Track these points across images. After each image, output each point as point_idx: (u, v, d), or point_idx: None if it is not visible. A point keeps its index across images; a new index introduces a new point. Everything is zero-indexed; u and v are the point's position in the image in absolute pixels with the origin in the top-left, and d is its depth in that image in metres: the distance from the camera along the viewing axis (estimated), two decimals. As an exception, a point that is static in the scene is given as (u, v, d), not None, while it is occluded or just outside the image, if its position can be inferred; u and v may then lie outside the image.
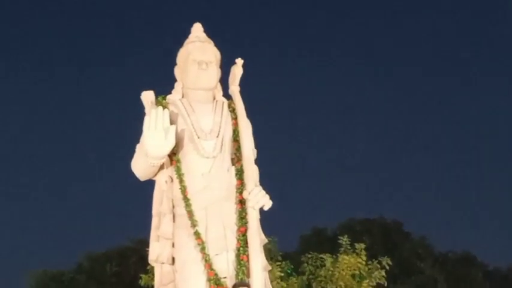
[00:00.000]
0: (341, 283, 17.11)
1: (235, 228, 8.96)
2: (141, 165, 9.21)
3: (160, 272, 9.18)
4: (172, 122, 8.92)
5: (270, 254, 16.04)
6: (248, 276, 8.68)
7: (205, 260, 8.66)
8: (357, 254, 17.63)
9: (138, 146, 9.30)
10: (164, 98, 9.52)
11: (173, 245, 9.05)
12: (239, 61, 9.90)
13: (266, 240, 9.35)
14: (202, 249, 8.70)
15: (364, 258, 17.62)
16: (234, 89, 9.78)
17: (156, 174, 9.30)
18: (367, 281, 17.37)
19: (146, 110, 9.23)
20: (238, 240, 8.90)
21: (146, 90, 9.44)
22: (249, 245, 8.79)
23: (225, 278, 8.63)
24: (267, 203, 8.94)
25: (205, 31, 10.02)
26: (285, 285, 16.81)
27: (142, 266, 16.68)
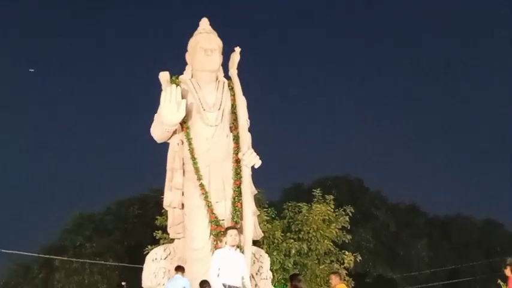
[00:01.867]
0: (314, 226, 17.23)
1: (232, 181, 9.14)
2: (158, 131, 9.32)
3: (173, 215, 9.37)
4: (183, 97, 8.99)
5: (259, 202, 16.12)
6: (241, 219, 8.92)
7: (208, 206, 8.86)
8: (327, 203, 17.76)
9: (156, 116, 9.39)
10: (177, 78, 9.56)
11: (183, 194, 9.21)
12: (237, 49, 9.91)
13: (256, 191, 9.54)
14: (206, 197, 8.90)
15: (333, 206, 17.79)
16: (233, 72, 9.83)
17: (170, 138, 9.41)
18: (335, 224, 17.52)
19: (163, 87, 9.29)
20: (234, 191, 9.09)
21: (163, 71, 9.49)
22: (242, 195, 9.00)
23: (223, 220, 8.84)
24: (257, 162, 9.14)
25: (210, 24, 10.04)
26: (270, 227, 16.93)
27: (159, 210, 16.66)
